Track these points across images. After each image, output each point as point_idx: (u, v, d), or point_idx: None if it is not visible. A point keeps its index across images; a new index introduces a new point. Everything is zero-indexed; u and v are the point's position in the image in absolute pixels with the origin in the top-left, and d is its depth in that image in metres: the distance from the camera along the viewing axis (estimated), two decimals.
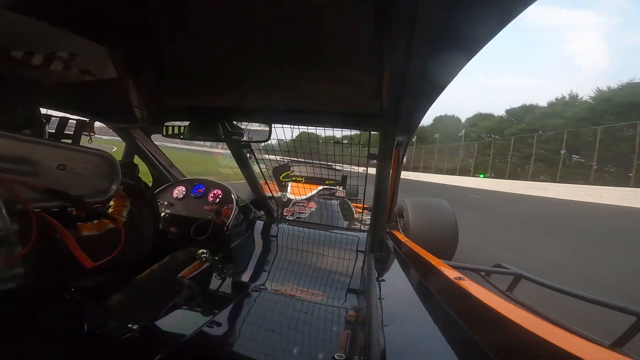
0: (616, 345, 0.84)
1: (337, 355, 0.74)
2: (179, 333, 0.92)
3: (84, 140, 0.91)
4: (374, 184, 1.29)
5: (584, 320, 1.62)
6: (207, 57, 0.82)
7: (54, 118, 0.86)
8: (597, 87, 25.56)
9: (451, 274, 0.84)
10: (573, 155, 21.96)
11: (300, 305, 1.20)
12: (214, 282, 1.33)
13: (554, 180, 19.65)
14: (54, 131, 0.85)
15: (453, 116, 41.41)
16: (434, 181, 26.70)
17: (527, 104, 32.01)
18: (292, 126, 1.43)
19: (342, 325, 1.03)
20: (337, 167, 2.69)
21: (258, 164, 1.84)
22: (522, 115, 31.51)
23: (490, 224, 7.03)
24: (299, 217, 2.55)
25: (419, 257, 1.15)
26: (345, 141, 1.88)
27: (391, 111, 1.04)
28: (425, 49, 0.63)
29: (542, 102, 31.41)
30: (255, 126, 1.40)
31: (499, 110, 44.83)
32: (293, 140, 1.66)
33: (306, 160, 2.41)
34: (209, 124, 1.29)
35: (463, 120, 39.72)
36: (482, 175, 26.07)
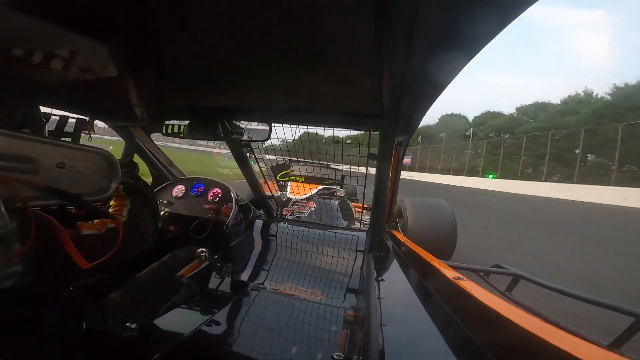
0: (614, 346, 0.84)
1: (336, 355, 0.74)
2: (177, 332, 0.92)
3: (84, 139, 0.91)
4: (374, 183, 1.29)
5: (583, 321, 1.63)
6: (207, 56, 0.82)
7: (53, 117, 0.86)
8: (614, 84, 23.92)
9: (450, 274, 0.84)
10: (588, 155, 20.32)
11: (299, 305, 1.20)
12: (213, 281, 1.33)
13: (570, 181, 17.66)
14: (53, 129, 0.85)
15: (460, 115, 40.63)
16: (442, 182, 25.13)
17: (539, 101, 31.00)
18: (292, 126, 1.43)
19: (341, 325, 1.03)
20: (337, 167, 2.69)
21: (258, 162, 1.84)
22: (533, 113, 30.59)
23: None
24: (299, 217, 2.55)
25: (418, 257, 1.15)
26: (348, 141, 1.88)
27: (391, 111, 1.05)
28: (425, 49, 0.63)
29: (555, 100, 30.25)
30: (255, 125, 1.40)
31: (506, 109, 43.22)
32: (293, 140, 1.66)
33: (305, 160, 2.41)
34: (208, 123, 1.29)
35: (470, 118, 38.57)
36: (491, 176, 24.45)
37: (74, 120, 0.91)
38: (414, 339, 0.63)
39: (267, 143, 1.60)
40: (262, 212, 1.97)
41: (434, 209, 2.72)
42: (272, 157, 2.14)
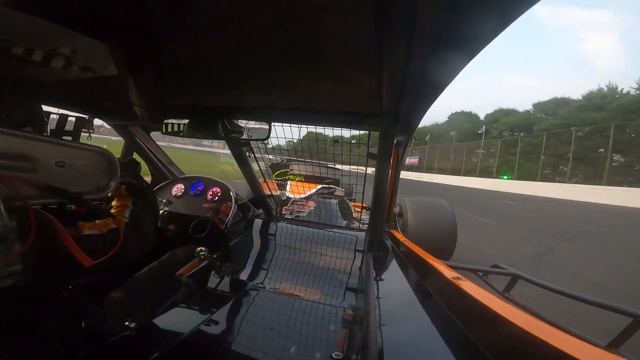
0: (612, 346, 0.84)
1: (335, 354, 0.74)
2: (176, 331, 0.92)
3: (83, 138, 0.91)
4: (373, 183, 1.29)
5: (583, 321, 1.63)
6: (207, 56, 0.82)
7: (53, 115, 0.86)
8: None
9: (449, 274, 0.84)
10: (613, 155, 17.97)
11: (298, 304, 1.20)
12: (212, 280, 1.33)
13: (593, 182, 16.29)
14: (53, 128, 0.85)
15: (470, 112, 38.12)
16: (453, 184, 23.70)
17: (559, 96, 28.22)
18: (291, 125, 1.43)
19: (340, 324, 1.03)
20: (337, 167, 2.69)
21: (257, 161, 1.84)
22: (552, 110, 28.11)
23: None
24: (298, 216, 2.55)
25: (417, 256, 1.15)
26: (354, 141, 1.88)
27: (391, 111, 1.05)
28: (425, 49, 0.63)
29: (575, 96, 27.99)
30: (254, 124, 1.40)
31: (520, 107, 39.45)
32: (292, 139, 1.66)
33: (305, 160, 2.41)
34: (208, 122, 1.29)
35: (482, 116, 35.70)
36: (506, 177, 22.75)
37: (74, 119, 0.91)
38: (413, 339, 0.63)
39: (267, 142, 1.60)
40: (261, 211, 1.97)
41: (434, 209, 2.72)
42: (272, 156, 2.14)
